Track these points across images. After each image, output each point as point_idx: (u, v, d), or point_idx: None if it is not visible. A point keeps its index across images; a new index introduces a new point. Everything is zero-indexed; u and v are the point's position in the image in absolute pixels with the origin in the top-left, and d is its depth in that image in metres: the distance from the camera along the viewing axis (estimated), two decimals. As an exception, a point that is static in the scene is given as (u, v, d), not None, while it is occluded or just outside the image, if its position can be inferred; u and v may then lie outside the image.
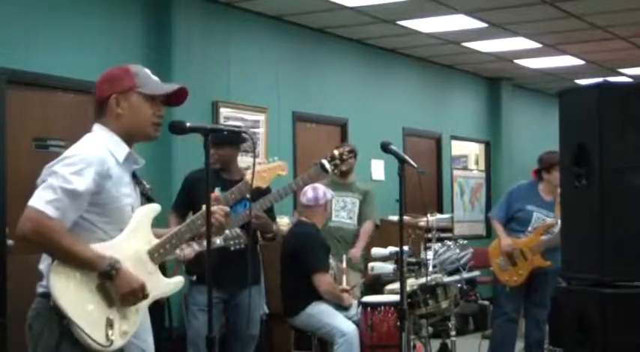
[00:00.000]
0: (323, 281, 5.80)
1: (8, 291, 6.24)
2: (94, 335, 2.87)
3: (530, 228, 6.52)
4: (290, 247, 5.98)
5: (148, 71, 3.15)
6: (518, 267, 6.48)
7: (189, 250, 4.70)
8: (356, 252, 6.88)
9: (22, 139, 6.50)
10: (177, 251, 4.53)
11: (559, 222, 6.49)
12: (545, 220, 6.52)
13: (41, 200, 2.85)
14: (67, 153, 2.96)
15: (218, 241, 4.68)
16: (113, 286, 2.94)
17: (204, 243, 4.60)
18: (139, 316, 3.06)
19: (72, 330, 2.86)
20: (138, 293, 2.99)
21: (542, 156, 6.71)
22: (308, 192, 6.03)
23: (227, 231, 4.59)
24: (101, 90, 3.08)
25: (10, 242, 6.24)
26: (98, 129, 3.07)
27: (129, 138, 3.08)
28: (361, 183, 7.35)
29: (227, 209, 3.37)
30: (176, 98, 3.17)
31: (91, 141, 3.02)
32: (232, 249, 4.72)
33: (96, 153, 2.95)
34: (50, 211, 2.83)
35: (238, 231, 4.80)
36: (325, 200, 6.03)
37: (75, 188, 2.86)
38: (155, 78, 3.15)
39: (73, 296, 2.88)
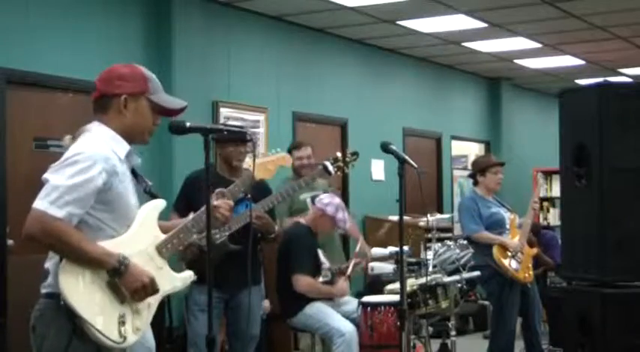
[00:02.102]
0: (300, 281, 5.79)
1: (8, 291, 6.24)
2: (107, 332, 2.87)
3: (507, 226, 6.60)
4: (282, 248, 5.98)
5: (155, 77, 3.14)
6: (524, 263, 6.55)
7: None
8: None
9: (22, 139, 6.50)
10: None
11: (515, 215, 6.75)
12: (508, 216, 6.69)
13: (46, 200, 2.83)
14: (70, 151, 2.95)
15: (195, 236, 4.68)
16: (123, 282, 2.94)
17: (194, 236, 4.62)
18: (151, 312, 3.06)
19: (83, 329, 2.85)
20: (148, 287, 2.98)
21: (477, 160, 6.99)
22: (325, 197, 6.01)
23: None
24: (111, 86, 3.05)
25: (10, 242, 6.24)
26: (98, 128, 3.06)
27: (126, 139, 3.08)
28: (321, 179, 7.14)
29: (231, 203, 3.37)
30: (175, 112, 3.18)
31: (94, 139, 3.01)
32: (218, 242, 4.72)
33: (100, 151, 2.94)
34: (56, 211, 2.82)
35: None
36: (327, 213, 5.95)
37: (80, 185, 2.86)
38: (160, 85, 3.15)
39: (84, 294, 2.87)
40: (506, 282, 6.49)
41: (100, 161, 2.91)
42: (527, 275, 6.55)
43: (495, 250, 6.47)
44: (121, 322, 2.92)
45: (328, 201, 5.99)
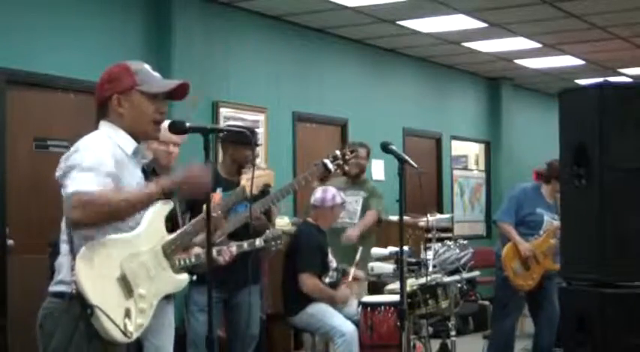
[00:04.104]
0: (306, 281, 5.81)
1: (8, 291, 6.24)
2: (117, 322, 2.87)
3: (541, 231, 6.54)
4: (291, 246, 6.00)
5: (148, 67, 3.14)
6: (531, 271, 6.49)
7: (227, 253, 4.69)
8: (351, 233, 6.75)
9: (22, 139, 6.50)
10: (220, 258, 4.56)
11: None
12: (553, 223, 6.55)
13: (75, 182, 2.83)
14: (77, 145, 2.96)
15: (257, 242, 4.71)
16: (135, 276, 2.94)
17: (245, 245, 4.66)
18: (153, 311, 3.06)
19: (94, 318, 2.84)
20: (199, 181, 3.01)
21: (557, 165, 6.71)
22: (317, 192, 6.06)
23: (267, 232, 4.65)
24: (102, 91, 3.07)
25: (10, 242, 6.24)
26: (104, 127, 3.07)
27: (132, 136, 3.08)
28: (368, 182, 7.43)
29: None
30: (178, 93, 3.16)
31: (99, 135, 3.03)
32: (273, 248, 4.76)
33: (105, 144, 2.97)
34: (89, 187, 2.82)
35: (279, 231, 4.83)
36: (333, 203, 6.03)
37: (98, 167, 2.87)
38: (156, 74, 3.14)
39: (97, 284, 2.88)
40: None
41: (109, 150, 2.93)
42: (523, 282, 6.49)
43: (507, 246, 6.46)
44: (127, 316, 2.93)
45: (321, 194, 6.01)
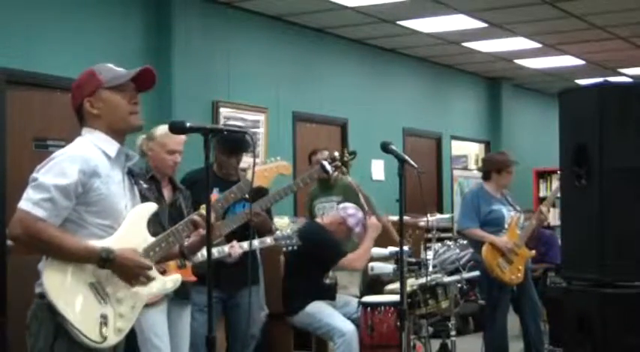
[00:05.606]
0: (351, 258, 5.83)
1: (8, 291, 6.24)
2: (85, 331, 2.88)
3: (506, 225, 6.58)
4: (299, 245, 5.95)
5: (110, 65, 3.16)
6: (515, 264, 6.52)
7: (238, 249, 4.70)
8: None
9: (22, 139, 6.50)
10: (227, 249, 4.59)
11: (521, 215, 6.70)
12: (512, 215, 6.63)
13: (29, 201, 2.90)
14: (53, 155, 3.01)
15: (269, 240, 4.71)
16: (110, 280, 2.96)
17: (255, 242, 4.67)
18: (135, 314, 3.07)
19: (65, 327, 2.87)
20: (141, 272, 3.01)
21: (495, 158, 6.84)
22: (350, 208, 6.01)
23: (278, 232, 4.66)
24: (75, 99, 3.12)
25: (9, 242, 6.24)
26: (86, 132, 3.10)
27: (116, 135, 3.09)
28: (340, 182, 7.04)
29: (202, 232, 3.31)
30: (145, 82, 3.15)
31: (78, 142, 3.06)
32: (284, 249, 4.77)
33: (80, 153, 2.98)
34: (38, 212, 2.88)
35: (289, 231, 4.83)
36: (348, 223, 5.98)
37: (60, 185, 2.90)
38: (119, 69, 3.16)
39: (67, 292, 2.90)
40: (495, 281, 6.49)
41: (77, 161, 2.94)
42: (514, 276, 6.51)
43: (485, 248, 6.46)
44: (103, 322, 2.93)
45: (353, 212, 5.99)
